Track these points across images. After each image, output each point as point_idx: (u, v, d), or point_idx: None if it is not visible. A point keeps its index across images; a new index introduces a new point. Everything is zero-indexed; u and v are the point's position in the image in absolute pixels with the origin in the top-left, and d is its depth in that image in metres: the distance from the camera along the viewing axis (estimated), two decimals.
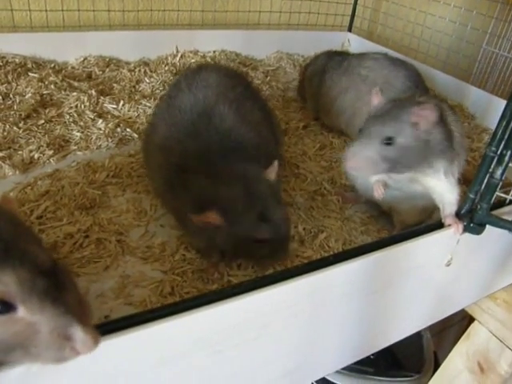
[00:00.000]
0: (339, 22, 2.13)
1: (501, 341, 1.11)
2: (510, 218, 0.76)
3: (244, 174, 0.77)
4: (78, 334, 0.40)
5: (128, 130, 1.18)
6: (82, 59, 1.51)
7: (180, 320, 0.50)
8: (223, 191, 0.75)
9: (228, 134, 0.83)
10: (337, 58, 1.36)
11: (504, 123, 0.66)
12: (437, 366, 1.45)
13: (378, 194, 0.84)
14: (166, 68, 1.55)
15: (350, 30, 2.11)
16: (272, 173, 0.80)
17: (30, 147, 1.05)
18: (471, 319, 1.17)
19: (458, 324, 1.92)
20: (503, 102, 0.70)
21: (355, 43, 2.06)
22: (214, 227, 0.72)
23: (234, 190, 0.74)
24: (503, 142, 0.68)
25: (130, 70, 1.50)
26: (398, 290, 0.73)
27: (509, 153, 0.67)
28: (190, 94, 0.89)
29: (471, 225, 0.73)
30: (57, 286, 0.42)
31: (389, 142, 0.78)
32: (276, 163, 0.81)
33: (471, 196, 0.73)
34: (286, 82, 1.68)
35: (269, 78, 1.66)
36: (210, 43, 1.74)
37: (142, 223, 0.89)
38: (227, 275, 0.80)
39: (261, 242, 0.74)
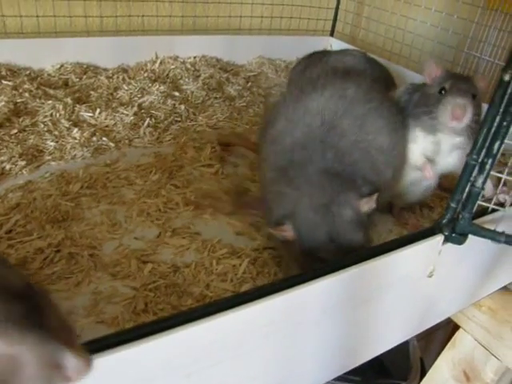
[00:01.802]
0: (321, 27, 2.12)
1: (486, 349, 1.10)
2: (492, 227, 0.74)
3: (330, 195, 0.75)
4: (68, 359, 0.34)
5: (104, 138, 1.14)
6: (59, 66, 1.47)
7: (150, 343, 0.47)
8: (302, 211, 0.74)
9: (340, 159, 0.79)
10: (317, 55, 1.36)
11: (485, 130, 0.65)
12: (423, 372, 1.43)
13: (430, 174, 0.92)
14: (145, 75, 1.53)
15: (332, 34, 2.10)
16: (366, 204, 0.76)
17: (2, 158, 1.01)
18: (456, 326, 1.16)
19: (443, 328, 1.90)
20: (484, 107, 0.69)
21: (338, 48, 2.05)
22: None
23: (311, 209, 0.74)
24: (484, 150, 0.66)
25: (107, 77, 1.47)
26: (380, 304, 0.70)
27: (490, 161, 0.65)
28: (321, 95, 0.84)
29: (453, 235, 0.72)
30: (35, 310, 0.36)
31: (474, 97, 0.87)
32: (375, 196, 0.76)
33: (452, 205, 0.71)
34: (268, 88, 1.66)
35: (250, 83, 1.64)
36: (190, 49, 1.72)
37: (116, 236, 0.86)
38: None
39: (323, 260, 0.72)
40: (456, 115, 0.84)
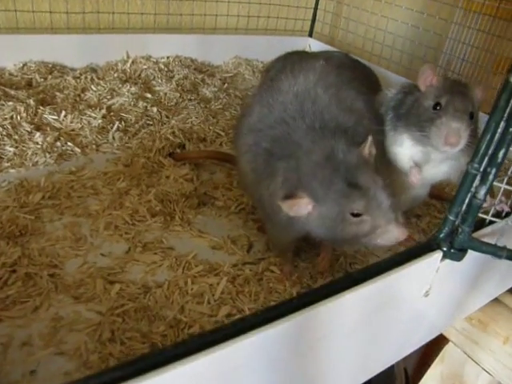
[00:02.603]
0: (300, 27, 2.05)
1: (477, 363, 1.05)
2: (491, 241, 0.69)
3: (331, 149, 0.68)
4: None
5: (69, 143, 1.06)
6: (21, 65, 1.37)
7: None
8: (308, 170, 0.67)
9: (320, 116, 0.74)
10: (294, 57, 1.30)
11: (488, 137, 0.59)
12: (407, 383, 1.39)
13: (417, 179, 0.86)
14: (116, 75, 1.44)
15: (310, 35, 2.04)
16: (365, 148, 0.70)
17: None
18: (441, 335, 1.11)
19: None
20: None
21: (316, 48, 1.99)
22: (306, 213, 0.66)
23: (319, 165, 0.67)
24: (486, 158, 0.60)
25: (75, 77, 1.38)
26: (372, 328, 0.64)
27: (493, 171, 0.59)
28: (292, 76, 0.80)
29: (452, 250, 0.66)
30: None
31: (471, 116, 0.80)
32: (370, 139, 0.70)
33: (451, 218, 0.65)
34: (245, 90, 1.59)
35: (226, 85, 1.57)
36: (164, 48, 1.63)
37: (80, 252, 0.78)
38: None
39: (358, 216, 0.65)
40: (450, 142, 0.77)
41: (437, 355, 1.15)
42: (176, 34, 1.68)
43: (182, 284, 0.73)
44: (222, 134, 1.23)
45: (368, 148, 0.70)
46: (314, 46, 2.00)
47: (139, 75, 1.48)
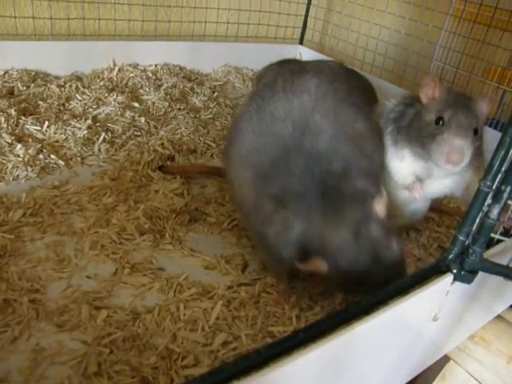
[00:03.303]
0: (290, 35, 2.02)
1: (480, 383, 1.01)
2: (502, 260, 0.65)
3: (352, 214, 0.66)
4: None
5: (53, 156, 1.00)
6: (3, 73, 1.32)
7: None
8: (329, 236, 0.65)
9: (326, 157, 0.69)
10: (289, 66, 1.26)
11: (502, 153, 0.55)
12: None
13: (419, 194, 0.82)
14: (102, 83, 1.39)
15: (301, 42, 2.01)
16: (381, 208, 0.67)
17: None
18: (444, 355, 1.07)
19: None
20: None
21: (307, 56, 1.95)
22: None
23: (340, 235, 0.65)
24: (500, 175, 0.57)
25: (59, 86, 1.32)
26: (378, 356, 0.59)
27: (508, 189, 0.56)
28: (286, 99, 0.74)
29: (462, 272, 0.61)
30: None
31: (476, 132, 0.76)
32: (384, 195, 0.68)
33: (461, 238, 0.61)
34: (235, 98, 1.55)
35: (216, 93, 1.52)
36: (151, 56, 1.59)
37: (63, 275, 0.73)
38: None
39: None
40: (452, 160, 0.73)
41: (435, 373, 1.11)
42: (164, 42, 1.63)
43: (174, 309, 0.68)
44: (213, 145, 1.18)
45: (381, 205, 0.67)
46: (305, 53, 1.97)
47: (126, 84, 1.43)
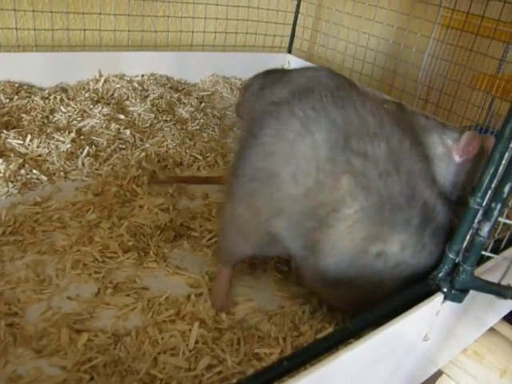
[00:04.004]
0: (278, 43, 2.01)
1: None
2: (492, 277, 0.64)
3: None
4: None
5: (35, 171, 0.98)
6: None
7: None
8: None
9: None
10: (275, 75, 1.25)
11: (492, 170, 0.53)
12: None
13: None
14: (87, 95, 1.36)
15: (289, 51, 2.00)
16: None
17: None
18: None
19: None
20: None
21: (295, 65, 1.94)
22: None
23: None
24: (490, 192, 0.55)
25: (43, 98, 1.30)
26: (370, 378, 0.58)
27: (498, 206, 0.54)
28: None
29: (453, 291, 0.60)
30: None
31: None
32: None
33: (451, 256, 0.59)
34: (223, 109, 1.53)
35: (203, 104, 1.50)
36: (138, 66, 1.57)
37: (43, 296, 0.70)
38: None
39: None
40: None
41: None
42: (151, 52, 1.62)
43: (151, 332, 0.66)
44: (200, 157, 1.16)
45: None
46: (293, 62, 1.96)
47: (112, 95, 1.41)
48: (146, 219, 0.88)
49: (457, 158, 0.76)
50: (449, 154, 0.75)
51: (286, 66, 1.97)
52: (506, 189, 0.53)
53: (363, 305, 0.59)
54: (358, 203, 0.60)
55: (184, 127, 1.31)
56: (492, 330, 0.98)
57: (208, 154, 1.17)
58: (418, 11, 1.67)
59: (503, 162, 0.53)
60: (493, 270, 0.66)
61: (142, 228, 0.86)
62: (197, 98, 1.53)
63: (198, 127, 1.33)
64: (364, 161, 0.60)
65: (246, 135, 0.69)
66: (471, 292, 0.67)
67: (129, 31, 1.59)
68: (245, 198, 0.67)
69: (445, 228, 0.66)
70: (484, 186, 0.55)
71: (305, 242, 0.64)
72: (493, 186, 0.55)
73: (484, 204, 0.56)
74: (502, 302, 0.88)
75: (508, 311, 0.96)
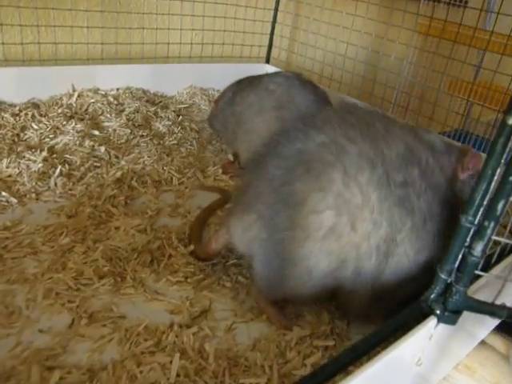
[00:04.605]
0: (256, 53, 1.99)
1: None
2: (484, 296, 0.61)
3: None
4: None
5: (4, 193, 0.93)
6: None
7: None
8: None
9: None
10: (247, 79, 1.24)
11: (484, 186, 0.51)
12: None
13: None
14: (60, 110, 1.32)
15: (267, 61, 1.98)
16: None
17: None
18: None
19: None
20: None
21: None
22: None
23: None
24: (482, 209, 0.53)
25: (13, 115, 1.25)
26: None
27: (492, 225, 0.52)
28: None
29: (445, 313, 0.57)
30: None
31: None
32: None
33: (443, 277, 0.57)
34: (201, 121, 1.49)
35: (181, 117, 1.46)
36: (113, 80, 1.53)
37: (13, 330, 0.66)
38: None
39: None
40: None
41: None
42: (126, 65, 1.58)
43: (129, 365, 0.62)
44: (177, 175, 1.12)
45: None
46: (272, 71, 1.93)
47: (86, 110, 1.37)
48: (122, 242, 0.84)
49: (460, 176, 0.76)
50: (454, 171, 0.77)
51: None
52: (499, 206, 0.51)
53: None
54: (407, 225, 0.67)
55: (161, 142, 1.27)
56: (483, 343, 0.96)
57: (186, 170, 1.14)
58: (395, 20, 1.66)
59: (495, 178, 0.51)
60: (486, 288, 0.64)
61: (118, 251, 0.82)
62: (174, 111, 1.50)
63: (175, 142, 1.29)
64: (406, 188, 0.66)
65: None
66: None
67: (102, 44, 1.55)
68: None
69: None
70: (476, 203, 0.52)
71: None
72: (485, 203, 0.52)
73: (476, 222, 0.53)
74: None
75: (497, 323, 0.94)
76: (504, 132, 0.48)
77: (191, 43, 1.76)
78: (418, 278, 0.69)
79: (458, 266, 0.56)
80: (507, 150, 0.49)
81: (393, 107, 1.84)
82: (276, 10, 1.92)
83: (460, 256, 0.55)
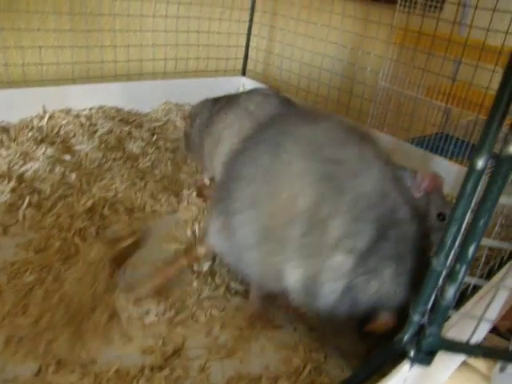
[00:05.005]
0: (232, 66, 1.97)
1: None
2: (461, 333, 0.60)
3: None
4: None
5: None
6: None
7: None
8: None
9: None
10: (224, 99, 1.21)
11: (454, 229, 0.50)
12: None
13: None
14: (30, 134, 1.28)
15: (244, 73, 1.96)
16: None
17: None
18: None
19: None
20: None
21: (251, 87, 1.90)
22: None
23: None
24: (453, 252, 0.51)
25: None
26: None
27: (463, 268, 0.50)
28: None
29: (419, 355, 0.56)
30: None
31: None
32: None
33: (416, 319, 0.55)
34: (177, 140, 1.47)
35: (155, 136, 1.44)
36: (85, 100, 1.50)
37: None
38: None
39: None
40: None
41: None
42: (98, 84, 1.55)
43: None
44: (150, 201, 1.09)
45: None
46: (248, 84, 1.92)
47: (57, 132, 1.34)
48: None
49: (416, 194, 0.86)
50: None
51: (241, 89, 1.93)
52: (471, 250, 0.49)
53: None
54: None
55: (134, 165, 1.24)
56: (464, 363, 0.95)
57: (160, 195, 1.11)
58: (370, 32, 1.66)
59: (465, 221, 0.50)
60: (460, 326, 0.63)
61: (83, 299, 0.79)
62: (148, 130, 1.47)
63: (149, 163, 1.27)
64: None
65: None
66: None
67: (73, 63, 1.52)
68: None
69: None
70: (447, 246, 0.51)
71: None
72: (455, 245, 0.51)
73: (448, 265, 0.52)
74: (470, 330, 0.86)
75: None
76: (473, 176, 0.47)
77: (165, 59, 1.74)
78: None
79: (431, 307, 0.55)
80: (476, 193, 0.48)
81: (371, 119, 1.83)
82: (251, 22, 1.91)
83: (433, 297, 0.54)
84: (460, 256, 0.50)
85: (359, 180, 0.64)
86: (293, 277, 0.65)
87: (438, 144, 1.73)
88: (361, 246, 0.62)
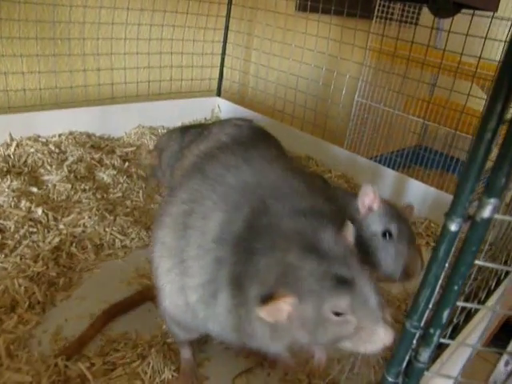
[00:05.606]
0: (206, 87, 1.94)
1: None
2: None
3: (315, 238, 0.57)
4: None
5: None
6: None
7: None
8: (290, 261, 0.56)
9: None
10: (193, 131, 1.19)
11: (428, 293, 0.47)
12: None
13: None
14: None
15: (219, 94, 1.93)
16: (349, 235, 0.61)
17: None
18: None
19: None
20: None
21: (226, 108, 1.89)
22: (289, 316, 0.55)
23: (304, 257, 0.56)
24: (426, 314, 0.49)
25: None
26: None
27: (437, 332, 0.48)
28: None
29: None
30: None
31: None
32: (350, 224, 0.61)
33: (390, 380, 0.53)
34: (149, 165, 1.43)
35: (127, 163, 1.40)
36: (54, 126, 1.46)
37: None
38: None
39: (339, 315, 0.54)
40: (410, 272, 0.77)
41: None
42: (68, 109, 1.50)
43: None
44: (120, 236, 1.05)
45: (351, 234, 0.61)
46: (224, 105, 1.90)
47: (25, 162, 1.29)
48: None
49: (361, 213, 0.81)
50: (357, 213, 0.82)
51: (216, 110, 1.90)
52: (445, 314, 0.47)
53: None
54: None
55: (105, 196, 1.20)
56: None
57: (130, 230, 1.08)
58: (345, 53, 1.65)
59: (438, 284, 0.47)
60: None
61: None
62: (120, 157, 1.43)
63: (120, 194, 1.23)
64: None
65: None
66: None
67: (41, 89, 1.47)
68: None
69: None
70: (420, 308, 0.48)
71: None
72: (429, 306, 0.49)
73: (421, 326, 0.50)
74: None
75: None
76: (446, 238, 0.45)
77: (137, 82, 1.70)
78: None
79: (405, 369, 0.52)
80: (450, 255, 0.46)
81: (347, 140, 1.83)
82: (225, 42, 1.89)
83: (407, 358, 0.52)
84: (434, 320, 0.48)
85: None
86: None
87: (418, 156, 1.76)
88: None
